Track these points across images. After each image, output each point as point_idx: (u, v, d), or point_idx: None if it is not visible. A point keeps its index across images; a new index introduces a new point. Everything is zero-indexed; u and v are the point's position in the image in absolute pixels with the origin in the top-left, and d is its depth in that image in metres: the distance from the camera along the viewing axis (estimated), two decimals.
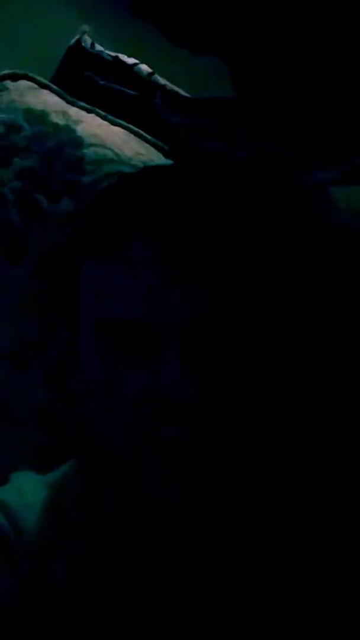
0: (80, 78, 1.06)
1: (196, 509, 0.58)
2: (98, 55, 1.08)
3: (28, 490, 0.65)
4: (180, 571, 0.60)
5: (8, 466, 0.70)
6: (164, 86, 0.97)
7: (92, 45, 1.11)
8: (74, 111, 0.83)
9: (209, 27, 0.67)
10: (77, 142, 0.81)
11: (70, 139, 0.81)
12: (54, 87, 0.84)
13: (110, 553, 0.61)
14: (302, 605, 0.59)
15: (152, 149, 0.85)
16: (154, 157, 0.85)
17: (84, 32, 1.13)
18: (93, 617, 0.58)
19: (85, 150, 0.81)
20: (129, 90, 1.03)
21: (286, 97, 0.62)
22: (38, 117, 0.81)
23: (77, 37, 1.11)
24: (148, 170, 0.74)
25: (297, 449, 0.62)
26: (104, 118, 0.85)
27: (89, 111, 0.85)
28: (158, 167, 0.80)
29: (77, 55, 1.07)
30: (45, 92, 0.84)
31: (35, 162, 0.80)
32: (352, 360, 0.64)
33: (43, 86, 0.84)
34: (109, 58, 1.07)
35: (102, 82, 1.05)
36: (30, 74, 0.84)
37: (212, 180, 0.65)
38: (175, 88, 0.97)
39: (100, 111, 0.85)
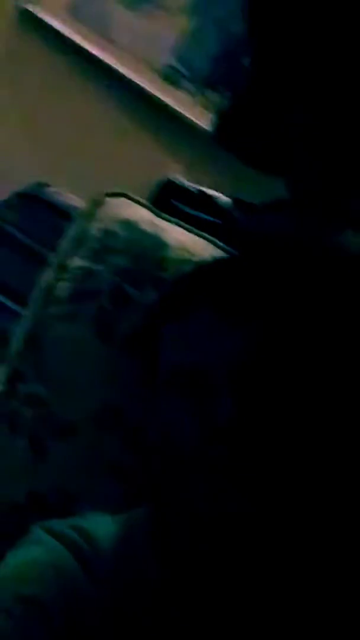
0: (168, 207, 1.25)
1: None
2: (186, 188, 1.28)
3: (100, 523, 0.74)
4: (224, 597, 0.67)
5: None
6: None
7: (181, 180, 1.32)
8: (161, 222, 1.00)
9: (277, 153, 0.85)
10: (162, 246, 0.97)
11: (156, 243, 0.97)
12: (147, 203, 1.02)
13: (169, 584, 0.69)
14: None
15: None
16: None
17: (175, 171, 1.34)
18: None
19: (168, 252, 0.96)
20: (210, 217, 1.22)
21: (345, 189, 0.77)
22: (131, 225, 0.98)
23: (169, 175, 1.33)
24: (216, 259, 0.89)
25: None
26: (187, 230, 1.01)
27: (174, 223, 1.01)
28: (224, 257, 0.95)
29: (168, 187, 1.28)
30: (139, 207, 1.01)
31: (126, 261, 0.96)
32: None
33: (137, 202, 1.02)
34: (195, 191, 1.27)
35: (186, 210, 1.24)
36: (128, 193, 1.02)
37: (271, 264, 0.78)
38: None
39: (184, 224, 1.01)
